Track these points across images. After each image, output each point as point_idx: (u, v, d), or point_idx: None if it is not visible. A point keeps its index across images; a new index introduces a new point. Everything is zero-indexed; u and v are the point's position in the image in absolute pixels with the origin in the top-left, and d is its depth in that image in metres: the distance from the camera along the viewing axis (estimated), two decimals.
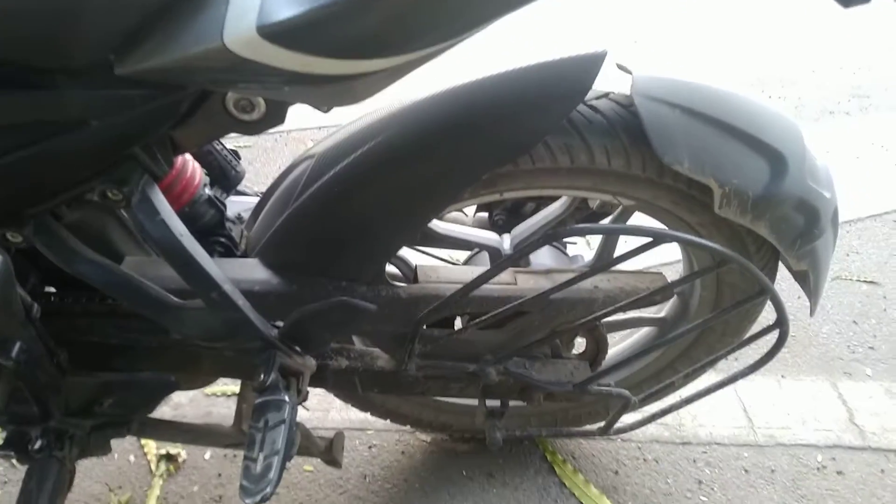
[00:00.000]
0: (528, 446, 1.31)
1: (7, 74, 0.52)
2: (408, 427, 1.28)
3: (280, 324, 0.78)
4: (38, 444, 0.82)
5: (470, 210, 1.14)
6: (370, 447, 1.30)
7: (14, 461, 0.86)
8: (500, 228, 1.09)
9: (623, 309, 0.84)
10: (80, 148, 0.59)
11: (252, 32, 0.46)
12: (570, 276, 0.80)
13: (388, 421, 1.20)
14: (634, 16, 3.19)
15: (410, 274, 0.93)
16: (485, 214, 1.12)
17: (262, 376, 0.71)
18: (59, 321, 0.83)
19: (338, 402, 1.21)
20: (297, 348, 0.78)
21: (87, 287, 0.73)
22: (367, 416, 1.19)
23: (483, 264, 1.04)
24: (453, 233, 0.99)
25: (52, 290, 0.88)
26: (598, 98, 0.77)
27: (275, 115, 0.61)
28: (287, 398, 0.70)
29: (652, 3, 3.31)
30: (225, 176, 0.95)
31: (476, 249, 1.07)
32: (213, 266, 0.70)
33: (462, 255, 1.14)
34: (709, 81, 0.80)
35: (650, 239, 0.72)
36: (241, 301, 0.72)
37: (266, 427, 0.67)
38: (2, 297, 0.67)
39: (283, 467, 0.66)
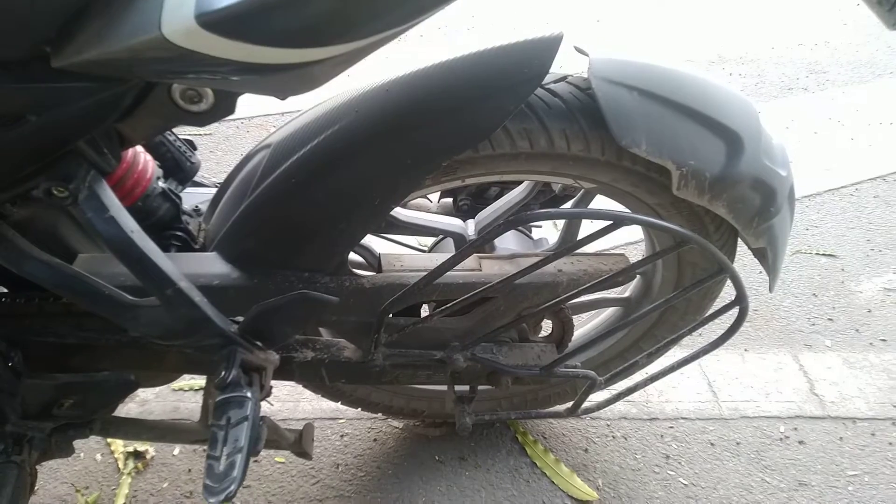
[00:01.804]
0: (499, 428, 1.32)
1: None
2: (379, 415, 1.28)
3: (240, 319, 0.77)
4: None
5: (435, 196, 1.13)
6: (342, 436, 1.30)
7: None
8: (465, 213, 1.09)
9: (587, 291, 0.85)
10: (19, 144, 0.57)
11: (191, 21, 0.44)
12: (533, 260, 0.80)
13: (360, 409, 1.20)
14: None
15: (374, 262, 0.92)
16: (449, 200, 1.11)
17: (222, 373, 0.70)
18: (11, 322, 0.80)
19: (308, 393, 1.20)
20: (259, 343, 0.77)
21: (41, 287, 0.70)
22: (339, 405, 1.18)
23: (448, 251, 1.04)
24: (417, 220, 0.98)
25: (4, 290, 0.85)
26: (556, 82, 0.77)
27: (224, 106, 0.59)
28: (249, 394, 0.69)
29: None
30: (179, 167, 0.92)
31: (441, 236, 1.06)
32: (168, 262, 0.68)
33: (431, 240, 1.14)
34: (666, 62, 0.80)
35: (611, 222, 0.73)
36: (198, 297, 0.71)
37: (228, 424, 0.66)
38: None
39: (246, 465, 0.65)
